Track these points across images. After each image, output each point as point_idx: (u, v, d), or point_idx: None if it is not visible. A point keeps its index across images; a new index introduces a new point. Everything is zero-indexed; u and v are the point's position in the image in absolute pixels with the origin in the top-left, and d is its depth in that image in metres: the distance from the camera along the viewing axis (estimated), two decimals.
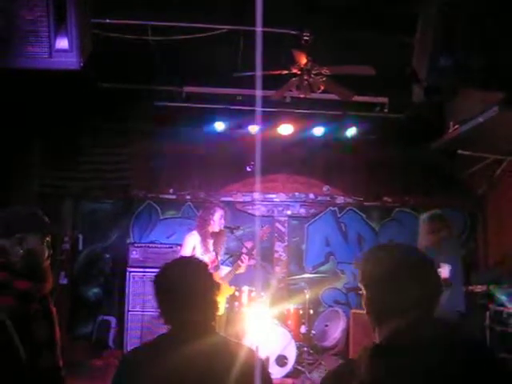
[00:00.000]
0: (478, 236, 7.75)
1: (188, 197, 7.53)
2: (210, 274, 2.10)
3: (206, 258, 5.04)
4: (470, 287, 6.70)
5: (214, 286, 2.08)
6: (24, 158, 7.13)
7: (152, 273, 6.64)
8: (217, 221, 5.02)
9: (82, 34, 3.90)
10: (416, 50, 4.17)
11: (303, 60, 5.02)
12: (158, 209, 7.51)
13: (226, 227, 5.13)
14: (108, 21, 4.98)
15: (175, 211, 7.58)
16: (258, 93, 6.68)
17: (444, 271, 4.99)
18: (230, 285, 5.30)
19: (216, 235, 5.08)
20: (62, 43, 3.84)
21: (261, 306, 5.59)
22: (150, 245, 6.80)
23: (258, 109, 6.87)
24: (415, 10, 4.28)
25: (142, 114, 6.97)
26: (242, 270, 5.13)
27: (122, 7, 5.05)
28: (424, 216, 5.45)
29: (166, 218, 7.55)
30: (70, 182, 7.44)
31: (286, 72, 5.26)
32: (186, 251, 4.99)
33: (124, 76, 6.30)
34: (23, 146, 7.04)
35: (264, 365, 2.09)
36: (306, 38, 5.16)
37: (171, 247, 6.75)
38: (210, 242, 5.05)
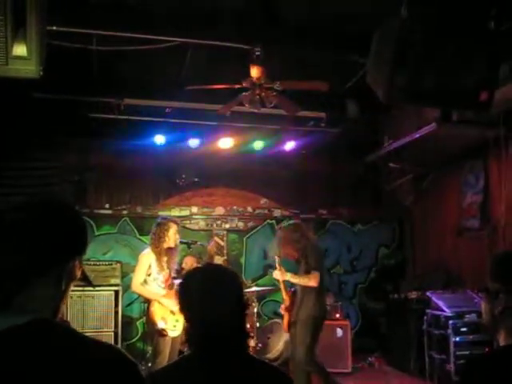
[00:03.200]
0: (406, 245, 8.18)
1: (125, 212, 7.29)
2: (241, 286, 1.88)
3: (161, 276, 4.91)
4: (404, 294, 7.06)
5: (244, 304, 1.86)
6: None
7: (91, 291, 6.28)
8: (172, 236, 4.90)
9: (41, 40, 3.69)
10: (371, 70, 4.36)
11: (257, 74, 5.06)
12: (93, 224, 7.19)
13: (182, 242, 5.02)
14: (55, 28, 4.72)
15: (111, 227, 7.30)
16: (204, 106, 6.67)
17: (315, 280, 4.94)
18: None
19: (170, 251, 4.95)
20: (20, 50, 3.60)
21: None
22: (88, 262, 6.48)
23: (199, 122, 6.89)
24: (371, 31, 4.46)
25: (76, 126, 6.66)
26: None
27: (66, 15, 4.84)
28: (284, 226, 5.41)
29: (102, 234, 7.25)
30: None
31: (237, 86, 5.27)
32: (141, 271, 4.83)
33: (59, 86, 6.00)
34: None
35: None
36: (257, 53, 5.19)
37: (110, 264, 6.49)
38: (165, 259, 4.92)
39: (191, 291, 1.82)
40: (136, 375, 1.11)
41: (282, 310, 5.32)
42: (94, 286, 5.66)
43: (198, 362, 1.76)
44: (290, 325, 5.16)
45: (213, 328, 1.75)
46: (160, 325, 4.79)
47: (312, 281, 4.92)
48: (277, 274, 5.22)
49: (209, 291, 1.79)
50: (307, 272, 5.01)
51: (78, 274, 1.22)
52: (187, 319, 1.83)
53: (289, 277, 5.13)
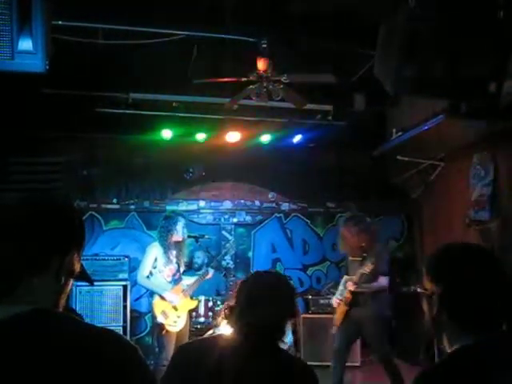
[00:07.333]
0: (415, 238, 8.12)
1: (132, 206, 7.30)
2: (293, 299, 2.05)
3: (168, 269, 4.91)
4: (413, 287, 7.01)
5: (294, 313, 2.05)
6: None
7: (100, 286, 6.27)
8: (180, 230, 4.91)
9: (47, 35, 3.68)
10: (378, 61, 4.31)
11: (263, 67, 5.03)
12: (101, 219, 7.21)
13: (190, 236, 5.03)
14: (61, 23, 4.71)
15: (119, 221, 7.32)
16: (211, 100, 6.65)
17: (383, 280, 4.96)
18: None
19: (178, 245, 4.96)
20: (26, 44, 3.60)
21: (220, 315, 5.49)
22: (97, 257, 6.51)
23: (206, 116, 6.87)
24: (378, 22, 4.41)
25: (83, 121, 6.67)
26: (209, 276, 5.04)
27: (72, 9, 4.83)
28: (347, 217, 5.25)
29: (110, 229, 7.27)
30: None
31: (244, 79, 5.25)
32: (147, 264, 4.84)
33: (67, 81, 6.00)
34: None
35: None
36: (264, 45, 5.16)
37: (118, 259, 6.51)
38: (173, 252, 4.93)
39: (247, 291, 2.02)
40: (136, 359, 1.11)
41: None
42: (94, 283, 5.61)
43: (238, 344, 1.91)
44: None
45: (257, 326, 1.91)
46: (159, 319, 4.74)
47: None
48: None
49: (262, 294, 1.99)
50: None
51: (77, 267, 1.23)
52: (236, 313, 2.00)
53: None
